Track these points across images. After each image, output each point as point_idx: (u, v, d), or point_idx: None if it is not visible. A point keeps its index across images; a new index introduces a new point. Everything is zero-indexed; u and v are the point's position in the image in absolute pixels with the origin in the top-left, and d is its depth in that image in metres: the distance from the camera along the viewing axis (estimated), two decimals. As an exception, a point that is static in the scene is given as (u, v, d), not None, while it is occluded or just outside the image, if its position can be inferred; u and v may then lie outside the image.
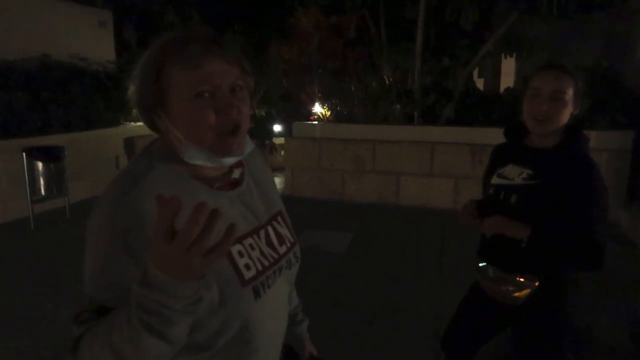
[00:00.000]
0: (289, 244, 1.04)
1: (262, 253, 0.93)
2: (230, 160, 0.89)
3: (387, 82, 7.19)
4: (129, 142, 7.48)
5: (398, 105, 6.82)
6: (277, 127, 14.80)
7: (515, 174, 1.60)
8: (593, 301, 3.17)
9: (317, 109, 8.81)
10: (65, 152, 5.44)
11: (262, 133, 12.93)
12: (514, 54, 7.96)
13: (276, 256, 0.98)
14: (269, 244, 0.97)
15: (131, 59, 10.62)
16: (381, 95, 6.89)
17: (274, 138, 13.64)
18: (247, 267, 0.88)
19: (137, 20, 9.16)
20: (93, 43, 7.51)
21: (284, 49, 7.95)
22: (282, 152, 11.32)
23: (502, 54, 8.00)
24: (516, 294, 1.57)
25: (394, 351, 2.76)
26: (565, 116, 1.53)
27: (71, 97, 6.51)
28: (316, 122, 7.26)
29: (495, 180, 1.68)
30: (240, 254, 0.88)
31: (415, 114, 6.83)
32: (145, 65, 0.84)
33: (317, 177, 6.52)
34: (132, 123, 7.87)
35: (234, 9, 11.77)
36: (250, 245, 0.92)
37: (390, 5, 7.35)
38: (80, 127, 6.66)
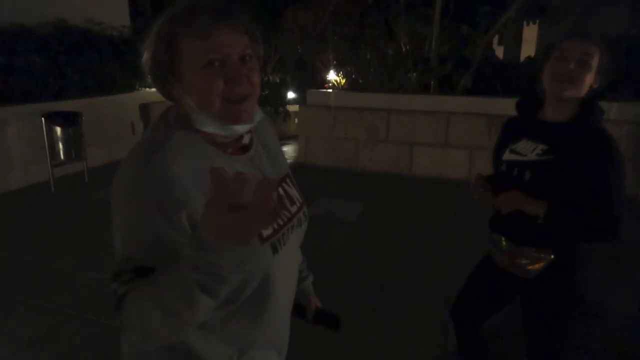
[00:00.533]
0: (298, 204, 1.10)
1: (285, 207, 1.01)
2: (241, 128, 0.91)
3: (403, 50, 7.04)
4: (145, 108, 7.52)
5: (414, 74, 6.71)
6: (291, 94, 14.71)
7: (529, 149, 1.57)
8: (608, 277, 3.19)
9: (332, 76, 8.71)
10: (83, 118, 5.51)
11: (275, 100, 12.85)
12: (537, 21, 7.71)
13: (289, 215, 1.03)
14: (282, 204, 1.01)
15: (146, 24, 10.52)
16: (397, 63, 6.77)
17: (287, 105, 13.59)
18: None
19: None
20: (108, 7, 7.44)
21: (300, 15, 7.80)
22: (296, 120, 11.29)
23: (525, 21, 7.75)
24: (530, 267, 1.57)
25: (402, 320, 2.82)
26: (587, 84, 1.49)
27: (87, 62, 6.53)
28: (330, 90, 7.19)
29: (507, 156, 1.64)
30: None
31: (432, 83, 6.72)
32: (157, 34, 0.86)
33: (330, 145, 6.51)
34: (147, 89, 7.88)
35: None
36: None
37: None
38: (96, 92, 6.70)
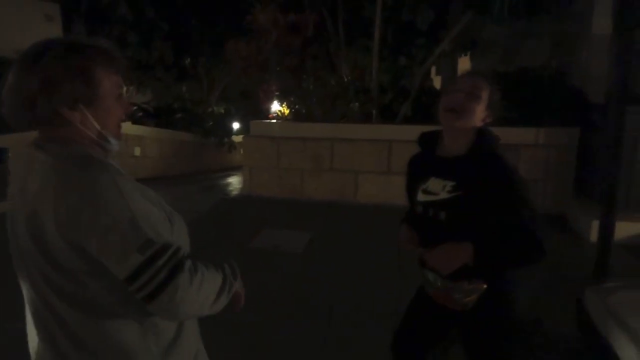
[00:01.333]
0: None
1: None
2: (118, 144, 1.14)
3: (345, 80, 7.21)
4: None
5: (356, 103, 6.86)
6: (235, 125, 14.63)
7: (439, 187, 1.60)
8: (543, 293, 3.29)
9: (276, 107, 8.73)
10: (9, 154, 5.15)
11: (220, 130, 12.74)
12: (469, 53, 8.16)
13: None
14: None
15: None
16: (339, 93, 6.91)
17: (233, 136, 13.48)
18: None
19: (86, 14, 8.78)
20: (39, 38, 7.13)
21: (242, 46, 7.82)
22: (241, 150, 11.16)
23: (458, 53, 8.19)
24: (465, 300, 1.59)
25: (352, 350, 2.76)
26: (478, 115, 1.54)
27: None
28: (274, 121, 7.21)
29: (421, 197, 1.66)
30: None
31: (373, 112, 6.89)
32: (69, 69, 0.99)
33: (275, 176, 6.47)
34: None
35: (190, 4, 11.51)
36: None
37: (348, 4, 7.37)
38: (25, 128, 6.31)
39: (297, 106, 7.59)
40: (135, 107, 10.05)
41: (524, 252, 1.49)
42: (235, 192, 7.63)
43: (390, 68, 7.40)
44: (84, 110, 1.01)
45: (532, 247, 1.47)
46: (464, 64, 12.72)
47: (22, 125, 1.01)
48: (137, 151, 8.98)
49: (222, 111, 13.03)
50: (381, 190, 6.06)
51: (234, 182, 8.90)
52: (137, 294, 0.96)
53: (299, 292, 3.58)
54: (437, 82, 11.89)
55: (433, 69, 11.24)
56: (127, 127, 8.69)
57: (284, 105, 8.00)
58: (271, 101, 8.43)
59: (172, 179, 9.50)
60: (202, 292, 1.02)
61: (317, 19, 7.53)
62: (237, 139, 12.75)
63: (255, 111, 11.64)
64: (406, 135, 6.05)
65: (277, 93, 7.93)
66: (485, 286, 1.56)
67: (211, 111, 12.61)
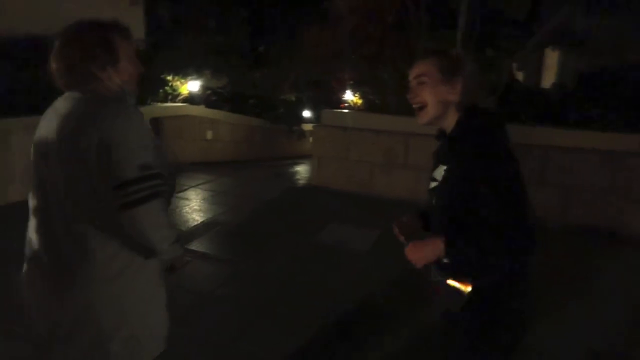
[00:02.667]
0: None
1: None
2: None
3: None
4: (156, 122, 7.35)
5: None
6: (306, 113, 14.58)
7: (438, 174, 1.55)
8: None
9: (348, 96, 8.51)
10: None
11: (290, 118, 12.75)
12: (558, 47, 7.43)
13: None
14: None
15: (164, 38, 10.54)
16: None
17: (302, 124, 13.44)
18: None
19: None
20: (123, 20, 7.37)
21: (317, 34, 7.63)
22: (310, 139, 11.06)
23: (548, 47, 7.49)
24: (452, 299, 1.47)
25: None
26: (435, 100, 1.47)
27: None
28: (346, 111, 6.95)
29: (430, 184, 1.62)
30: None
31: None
32: (99, 38, 1.36)
33: (344, 168, 6.23)
34: (159, 104, 7.74)
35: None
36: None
37: (432, -11, 6.93)
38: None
39: (370, 96, 7.29)
40: (209, 92, 10.22)
41: (506, 242, 1.33)
42: (302, 182, 7.51)
43: (474, 60, 6.87)
44: (110, 71, 1.35)
45: (518, 237, 1.32)
46: (551, 59, 11.73)
47: (62, 85, 1.38)
48: (209, 134, 9.12)
49: (293, 99, 13.02)
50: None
51: (302, 171, 8.80)
52: (119, 200, 1.23)
53: (360, 293, 3.34)
54: (518, 78, 11.06)
55: (513, 65, 10.45)
56: (201, 110, 8.84)
57: (356, 95, 7.74)
58: (344, 90, 8.19)
59: (241, 163, 9.58)
60: (167, 226, 1.34)
61: (399, 6, 7.15)
62: (307, 127, 12.70)
63: (327, 100, 11.48)
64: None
65: (350, 82, 7.67)
66: (469, 288, 1.42)
67: (283, 98, 12.62)
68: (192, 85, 9.10)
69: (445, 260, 1.41)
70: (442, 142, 1.61)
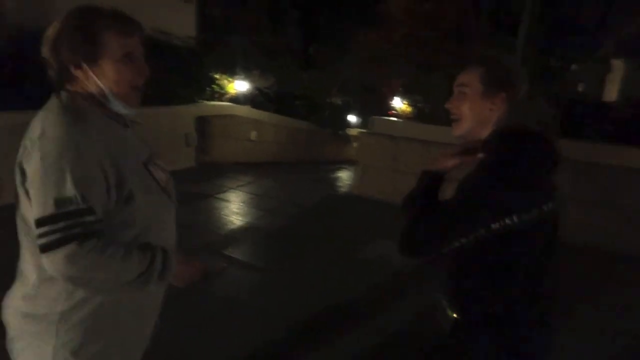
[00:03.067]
0: (169, 175, 1.31)
1: (162, 170, 1.26)
2: (134, 110, 1.20)
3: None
4: (201, 121, 7.35)
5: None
6: (352, 118, 14.36)
7: None
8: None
9: (397, 103, 8.21)
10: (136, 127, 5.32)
11: (336, 122, 12.56)
12: (626, 59, 6.85)
13: (169, 175, 1.30)
14: (161, 168, 1.27)
15: (215, 37, 10.63)
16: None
17: (348, 129, 13.23)
18: (160, 179, 1.23)
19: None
20: (176, 18, 7.43)
21: (369, 37, 7.39)
22: (355, 144, 10.82)
23: (615, 58, 6.92)
24: (441, 321, 1.40)
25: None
26: (472, 114, 1.33)
27: (149, 70, 6.42)
28: (396, 119, 6.67)
29: None
30: (154, 169, 1.22)
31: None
32: (78, 28, 1.09)
33: (390, 178, 5.95)
34: (206, 102, 7.73)
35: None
36: (154, 165, 1.24)
37: (494, -6, 6.54)
38: (155, 101, 6.58)
39: (420, 105, 6.98)
40: (256, 91, 10.19)
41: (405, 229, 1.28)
42: (343, 189, 7.29)
43: (536, 69, 6.43)
44: (87, 69, 1.10)
45: (404, 233, 1.28)
46: (617, 71, 10.93)
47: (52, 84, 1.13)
48: (254, 135, 9.06)
49: (340, 102, 12.83)
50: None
51: (344, 177, 8.58)
52: (36, 240, 1.01)
53: (401, 319, 3.07)
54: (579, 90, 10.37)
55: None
56: (246, 110, 8.79)
57: (405, 103, 7.44)
58: (392, 97, 7.90)
59: (284, 165, 9.48)
60: (104, 269, 1.05)
61: (457, 12, 6.81)
62: (352, 132, 12.47)
63: (374, 106, 11.21)
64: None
65: (400, 89, 7.38)
66: (455, 316, 1.34)
67: (329, 102, 12.45)
68: (239, 85, 9.07)
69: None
70: None
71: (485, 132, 1.34)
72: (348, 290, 3.46)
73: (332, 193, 6.91)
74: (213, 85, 8.30)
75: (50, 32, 1.10)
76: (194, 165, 7.25)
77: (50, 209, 1.00)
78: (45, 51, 1.10)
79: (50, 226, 0.99)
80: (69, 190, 1.00)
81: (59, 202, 0.99)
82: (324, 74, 12.71)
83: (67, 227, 1.00)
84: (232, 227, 4.62)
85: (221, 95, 8.51)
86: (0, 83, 5.00)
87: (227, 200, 5.54)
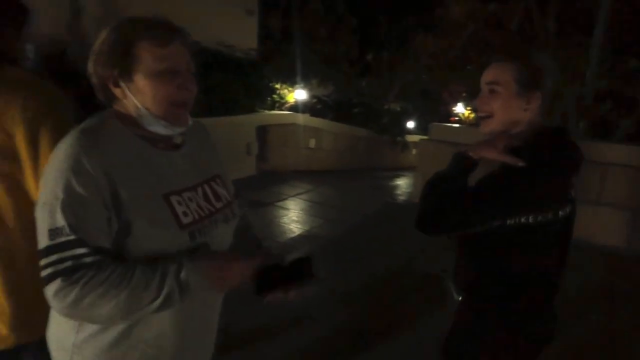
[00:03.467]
0: (225, 201, 1.19)
1: (199, 206, 1.10)
2: (179, 129, 1.07)
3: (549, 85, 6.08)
4: (262, 130, 7.53)
5: (562, 114, 5.72)
6: (411, 124, 14.11)
7: None
8: None
9: (460, 109, 7.96)
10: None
11: (395, 128, 12.40)
12: None
13: (212, 209, 1.13)
14: (206, 199, 1.13)
15: (274, 47, 10.88)
16: (541, 99, 5.84)
17: (407, 135, 13.01)
18: (185, 214, 1.04)
19: (283, 9, 9.22)
20: (239, 31, 7.66)
21: (430, 42, 7.24)
22: (414, 151, 10.62)
23: None
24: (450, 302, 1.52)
25: None
26: (503, 112, 1.31)
27: (214, 82, 6.68)
28: (458, 125, 6.48)
29: None
30: (179, 203, 1.04)
31: (580, 124, 5.67)
32: (114, 41, 0.99)
33: (451, 187, 5.77)
34: (267, 111, 7.91)
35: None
36: (189, 197, 1.08)
37: (564, -7, 6.19)
38: (219, 111, 6.83)
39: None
40: (315, 100, 10.29)
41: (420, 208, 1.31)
42: (402, 197, 7.16)
43: (613, 72, 6.00)
44: (124, 88, 1.01)
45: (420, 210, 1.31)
46: None
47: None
48: (312, 143, 9.15)
49: (399, 109, 12.65)
50: (587, 225, 4.89)
51: (403, 185, 8.44)
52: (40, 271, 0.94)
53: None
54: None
55: None
56: (305, 119, 8.90)
57: (469, 109, 7.20)
58: (455, 103, 7.68)
59: (343, 173, 9.48)
60: (97, 302, 0.93)
61: (523, 12, 6.51)
62: (411, 138, 12.25)
63: (435, 112, 10.96)
64: (627, 158, 4.79)
65: (463, 94, 7.16)
66: (460, 298, 1.46)
67: (388, 108, 12.33)
68: (298, 94, 9.21)
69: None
70: None
71: (517, 129, 1.33)
72: (405, 304, 3.39)
73: (391, 201, 6.81)
74: (273, 95, 8.48)
75: (95, 46, 1.01)
76: (255, 174, 7.43)
77: (45, 241, 0.93)
78: (90, 67, 1.02)
79: (45, 259, 0.93)
80: (59, 220, 0.92)
81: (52, 232, 0.92)
82: (383, 81, 12.61)
83: (57, 260, 0.92)
84: (291, 235, 4.67)
85: (281, 104, 8.68)
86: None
87: (286, 208, 5.61)
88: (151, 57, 0.98)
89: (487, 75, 1.34)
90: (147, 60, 0.98)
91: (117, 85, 1.01)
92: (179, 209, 1.03)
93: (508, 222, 1.23)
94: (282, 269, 1.14)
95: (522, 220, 1.23)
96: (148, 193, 1.00)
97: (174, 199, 1.03)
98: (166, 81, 1.00)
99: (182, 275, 0.96)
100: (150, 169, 1.03)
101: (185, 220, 1.03)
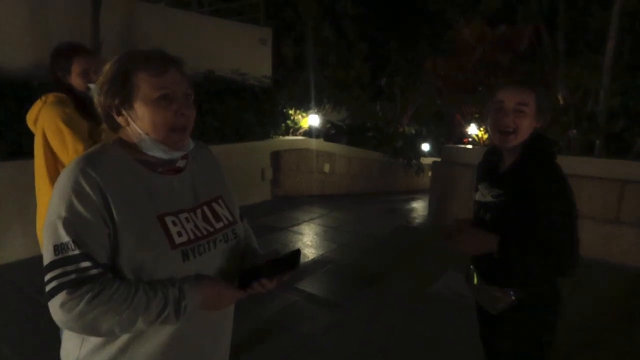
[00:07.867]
0: (226, 222, 1.22)
1: (196, 226, 1.13)
2: (178, 153, 1.13)
3: (562, 103, 6.06)
4: (276, 156, 7.62)
5: (574, 131, 5.67)
6: (425, 147, 14.10)
7: (486, 191, 1.70)
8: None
9: (473, 130, 7.95)
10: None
11: (409, 151, 12.39)
12: None
13: (211, 230, 1.17)
14: (205, 220, 1.17)
15: (287, 74, 11.09)
16: (554, 118, 5.81)
17: (421, 158, 12.98)
18: (179, 234, 1.09)
19: (295, 37, 9.44)
20: (253, 59, 7.84)
21: (441, 64, 7.30)
22: (429, 174, 10.56)
23: None
24: (494, 305, 1.65)
25: None
26: (526, 130, 1.59)
27: (227, 109, 6.82)
28: (470, 147, 6.46)
29: (476, 196, 1.78)
30: (174, 223, 1.09)
31: (597, 142, 5.60)
32: (115, 74, 1.06)
33: (466, 209, 5.71)
34: (280, 137, 8.02)
35: (390, 26, 11.51)
36: (186, 218, 1.12)
37: (572, 11, 6.22)
38: (233, 138, 6.95)
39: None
40: (329, 125, 10.39)
41: (544, 258, 1.46)
42: (418, 220, 7.11)
43: (625, 89, 5.95)
44: (127, 115, 1.08)
45: (553, 256, 1.45)
46: None
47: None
48: (327, 167, 9.20)
49: (413, 132, 12.68)
50: (603, 243, 4.79)
51: (418, 208, 8.38)
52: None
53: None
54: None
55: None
56: (319, 144, 8.98)
57: (482, 130, 7.19)
58: (468, 124, 7.69)
59: (357, 197, 9.47)
60: (102, 315, 0.97)
61: (532, 32, 6.55)
62: (426, 160, 12.22)
63: (448, 134, 10.96)
64: (646, 175, 4.70)
65: (475, 115, 7.17)
66: (513, 299, 1.60)
67: (402, 131, 12.36)
68: (312, 119, 9.32)
69: (495, 256, 1.49)
70: (493, 159, 1.78)
71: (519, 147, 1.63)
72: (420, 329, 3.34)
73: (406, 224, 6.76)
74: (287, 121, 8.60)
75: (99, 79, 1.10)
76: (270, 199, 7.48)
77: (50, 256, 0.97)
78: (94, 98, 1.11)
79: (49, 274, 0.97)
80: (63, 237, 0.97)
81: (57, 248, 0.97)
82: (395, 104, 12.70)
83: (62, 273, 0.96)
84: (306, 260, 4.67)
85: (295, 129, 8.79)
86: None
87: (301, 233, 5.63)
88: (148, 85, 1.05)
89: (515, 97, 1.57)
90: (145, 89, 1.05)
91: (119, 114, 1.09)
92: (174, 229, 1.08)
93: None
94: (266, 265, 1.19)
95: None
96: (141, 214, 1.05)
97: (168, 220, 1.08)
98: (163, 107, 1.06)
99: (183, 303, 1.04)
100: (146, 192, 1.08)
101: (179, 240, 1.08)
